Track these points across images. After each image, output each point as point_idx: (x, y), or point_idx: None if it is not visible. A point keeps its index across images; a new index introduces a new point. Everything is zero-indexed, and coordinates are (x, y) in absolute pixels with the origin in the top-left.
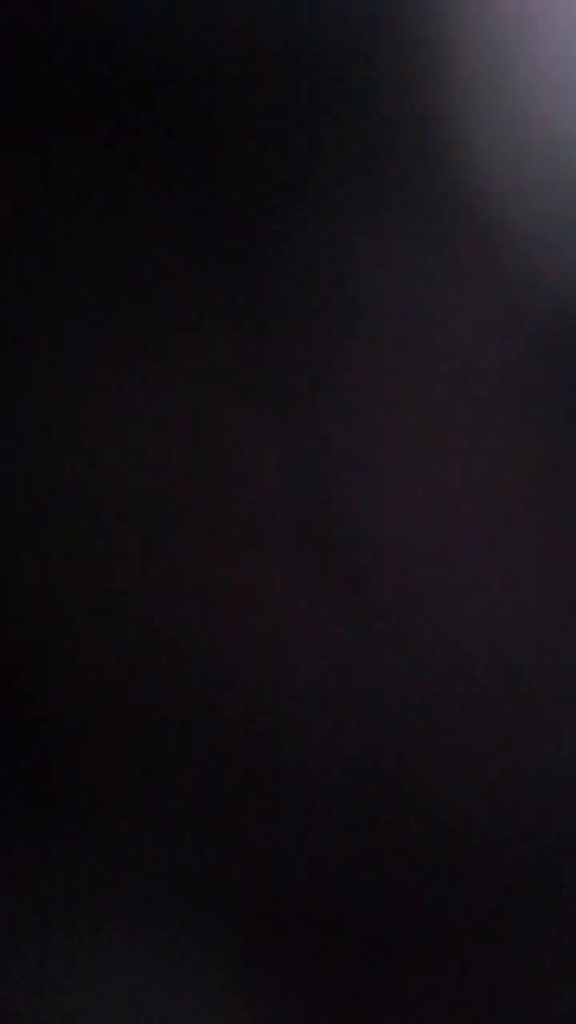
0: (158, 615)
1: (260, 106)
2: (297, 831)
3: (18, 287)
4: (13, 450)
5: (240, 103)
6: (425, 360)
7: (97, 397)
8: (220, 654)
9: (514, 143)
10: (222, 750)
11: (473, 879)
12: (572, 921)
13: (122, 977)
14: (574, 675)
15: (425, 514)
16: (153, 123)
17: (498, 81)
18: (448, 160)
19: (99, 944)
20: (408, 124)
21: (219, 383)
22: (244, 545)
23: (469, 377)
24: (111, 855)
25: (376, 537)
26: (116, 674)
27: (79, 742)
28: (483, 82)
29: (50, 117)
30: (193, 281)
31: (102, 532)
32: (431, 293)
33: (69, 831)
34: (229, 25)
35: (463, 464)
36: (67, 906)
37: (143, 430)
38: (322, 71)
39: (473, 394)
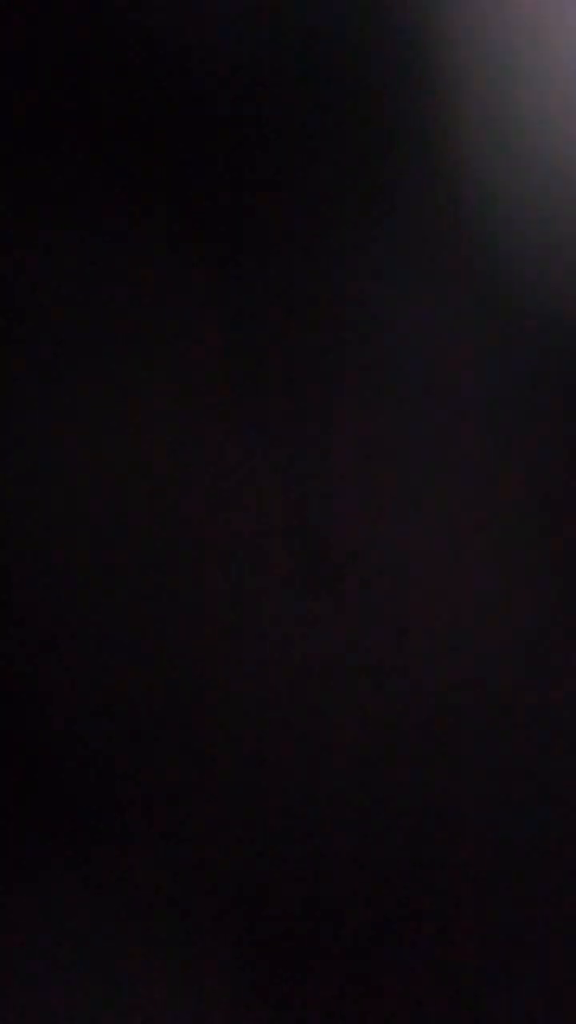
0: (157, 630)
1: (259, 110)
2: (295, 842)
3: (17, 289)
4: (14, 463)
5: (239, 108)
6: (424, 375)
7: (97, 412)
8: (218, 665)
9: (514, 151)
10: (221, 762)
11: (472, 889)
12: (572, 923)
13: (121, 980)
14: (571, 683)
15: (424, 528)
16: (153, 125)
17: (498, 88)
18: (448, 170)
19: (98, 948)
20: (408, 130)
21: (218, 398)
22: (244, 560)
23: (468, 392)
24: (110, 857)
25: (374, 552)
26: (116, 685)
27: (81, 750)
28: (483, 89)
29: (49, 114)
30: (191, 300)
31: (102, 544)
32: (431, 306)
33: (68, 835)
34: (228, 28)
35: (462, 480)
36: (65, 910)
37: (142, 446)
38: (322, 76)
39: (472, 409)
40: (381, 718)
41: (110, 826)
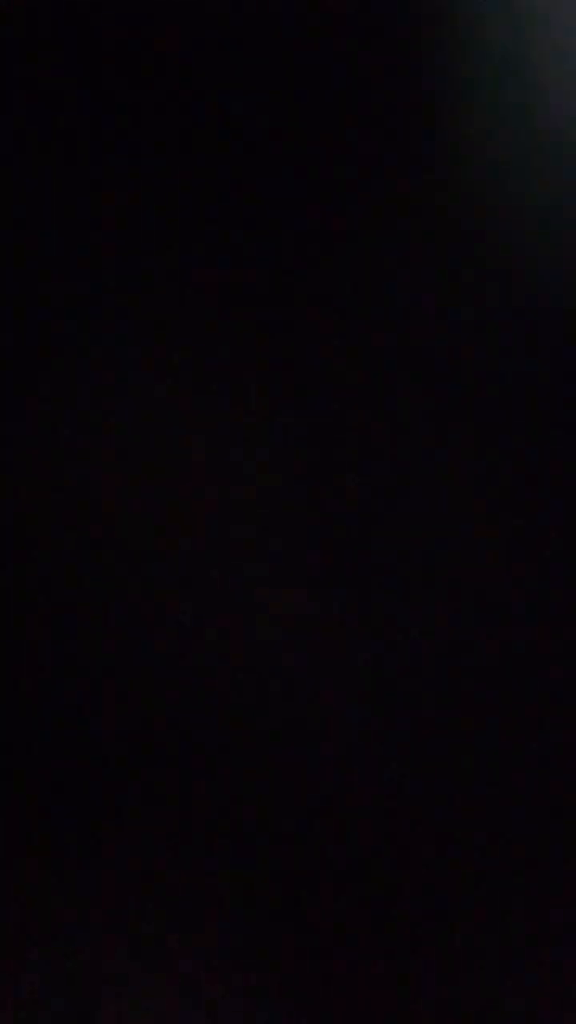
0: (159, 614)
1: (261, 99)
2: (297, 831)
3: (21, 284)
4: (17, 448)
5: (240, 97)
6: (428, 358)
7: (98, 391)
8: (221, 652)
9: (515, 139)
10: (223, 749)
11: (472, 879)
12: (571, 916)
13: (123, 975)
14: (571, 671)
15: (425, 511)
16: (154, 122)
17: (499, 77)
18: (450, 159)
19: (102, 943)
20: (409, 119)
21: (222, 378)
22: (247, 544)
23: (471, 375)
24: (111, 852)
25: (379, 534)
26: (117, 672)
27: (82, 742)
28: (484, 78)
29: (53, 109)
30: (192, 275)
31: (104, 528)
32: (433, 289)
33: (70, 829)
34: (229, 20)
35: (465, 463)
36: (69, 908)
37: (145, 426)
38: (323, 66)
39: (475, 392)
40: (383, 709)
41: (110, 820)
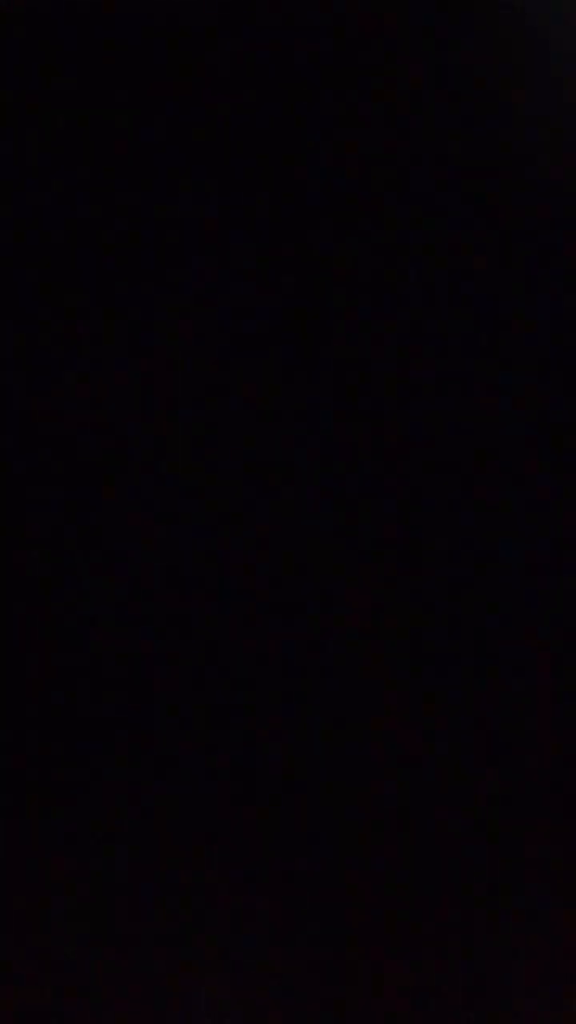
0: (160, 604)
1: (261, 88)
2: (297, 829)
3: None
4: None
5: (241, 86)
6: (431, 350)
7: (100, 382)
8: (221, 643)
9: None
10: (223, 739)
11: (472, 878)
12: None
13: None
14: (571, 664)
15: (428, 497)
16: (156, 119)
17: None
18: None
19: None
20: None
21: (225, 372)
22: (251, 542)
23: (476, 364)
24: (109, 841)
25: (385, 529)
26: (119, 649)
27: (83, 717)
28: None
29: (53, 112)
30: (192, 271)
31: (106, 515)
32: (435, 288)
33: (73, 803)
34: (232, 11)
35: (468, 461)
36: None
37: (151, 416)
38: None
39: (478, 382)
40: (382, 706)
41: (109, 808)
